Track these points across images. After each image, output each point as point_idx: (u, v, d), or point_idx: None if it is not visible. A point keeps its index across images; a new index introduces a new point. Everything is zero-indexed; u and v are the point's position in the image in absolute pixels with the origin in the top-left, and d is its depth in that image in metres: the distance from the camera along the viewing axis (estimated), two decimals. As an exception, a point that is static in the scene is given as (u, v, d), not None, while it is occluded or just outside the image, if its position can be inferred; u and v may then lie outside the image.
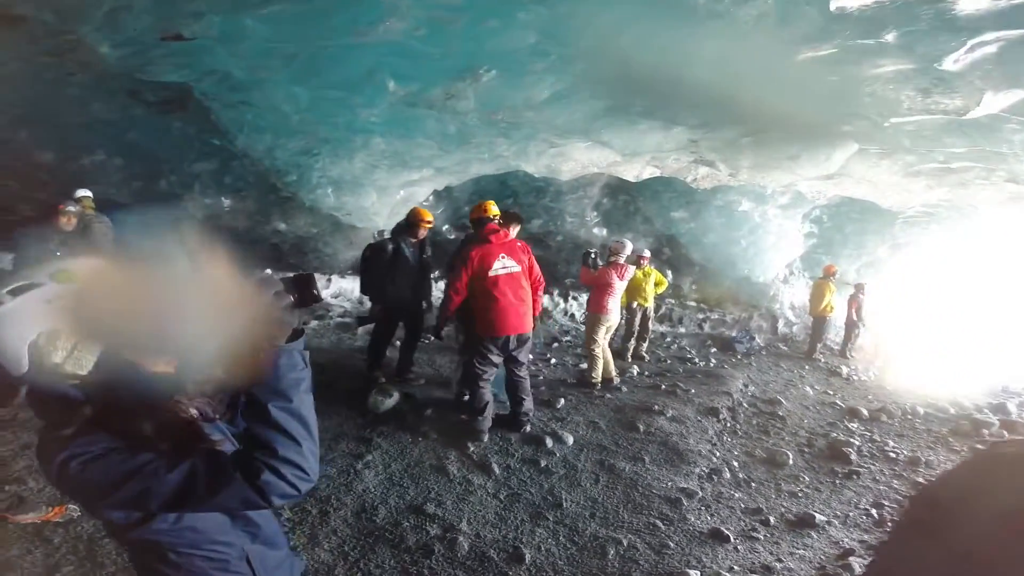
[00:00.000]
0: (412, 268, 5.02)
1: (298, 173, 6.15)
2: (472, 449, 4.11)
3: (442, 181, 7.32)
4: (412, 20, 3.55)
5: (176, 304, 0.93)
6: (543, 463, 4.07)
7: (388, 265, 4.92)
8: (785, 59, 4.02)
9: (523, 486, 3.76)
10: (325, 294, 8.96)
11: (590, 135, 5.89)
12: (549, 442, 4.36)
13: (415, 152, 6.08)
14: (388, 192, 6.96)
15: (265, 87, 4.62)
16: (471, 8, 3.43)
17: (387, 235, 5.28)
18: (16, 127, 5.64)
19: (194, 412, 1.08)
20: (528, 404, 4.43)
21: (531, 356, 4.59)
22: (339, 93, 4.64)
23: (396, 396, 4.81)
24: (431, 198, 8.74)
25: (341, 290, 9.29)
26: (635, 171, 7.22)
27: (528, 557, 2.98)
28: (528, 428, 4.46)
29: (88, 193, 5.02)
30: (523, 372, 4.33)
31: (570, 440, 4.49)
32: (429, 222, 5.14)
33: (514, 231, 4.69)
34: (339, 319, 8.08)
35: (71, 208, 4.49)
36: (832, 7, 3.44)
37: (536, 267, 4.24)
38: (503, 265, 4.05)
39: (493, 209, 4.22)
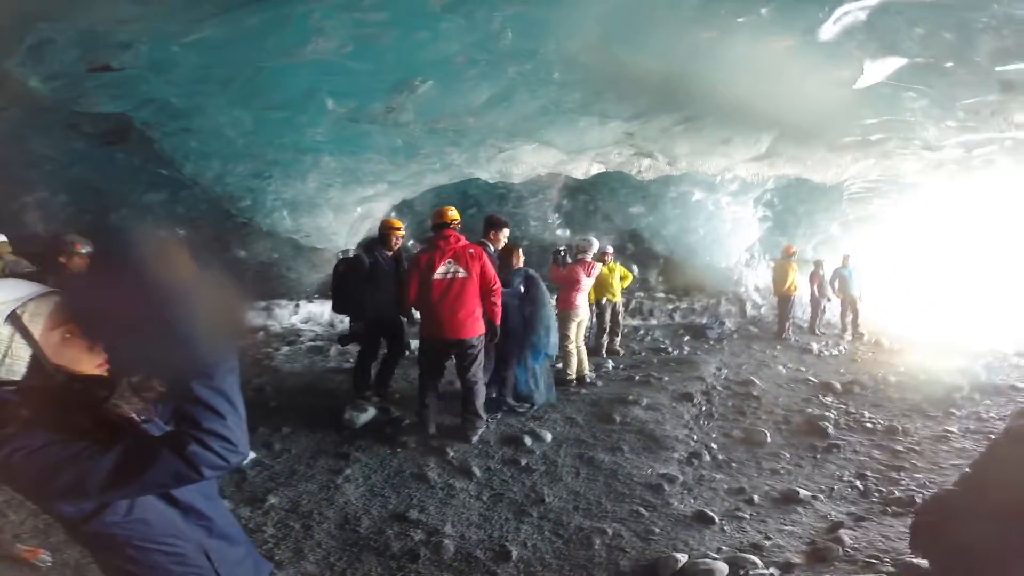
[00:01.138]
0: (390, 281, 4.88)
1: (252, 197, 6.15)
2: (452, 455, 4.12)
3: (398, 195, 7.40)
4: (339, 38, 3.66)
5: (123, 301, 0.99)
6: (523, 462, 4.08)
7: (366, 280, 4.81)
8: (691, 39, 4.22)
9: (505, 486, 3.78)
10: (294, 320, 8.89)
11: (534, 136, 6.06)
12: (528, 441, 4.37)
13: (366, 168, 6.14)
14: (345, 210, 7.00)
15: (206, 112, 4.65)
16: (395, 24, 3.55)
17: (352, 252, 5.21)
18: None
19: (132, 414, 1.13)
20: (476, 411, 4.36)
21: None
22: (281, 114, 4.69)
23: (372, 410, 4.82)
24: (392, 213, 8.78)
25: (310, 315, 9.22)
26: (582, 168, 7.42)
27: (515, 554, 2.99)
28: (475, 438, 4.33)
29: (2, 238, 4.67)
30: (471, 378, 4.29)
31: (548, 437, 4.51)
32: (399, 230, 5.08)
33: (502, 236, 4.84)
34: (310, 343, 8.02)
35: None
36: None
37: (489, 272, 4.20)
38: (447, 270, 4.12)
39: (450, 214, 4.28)
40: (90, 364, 1.11)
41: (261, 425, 4.43)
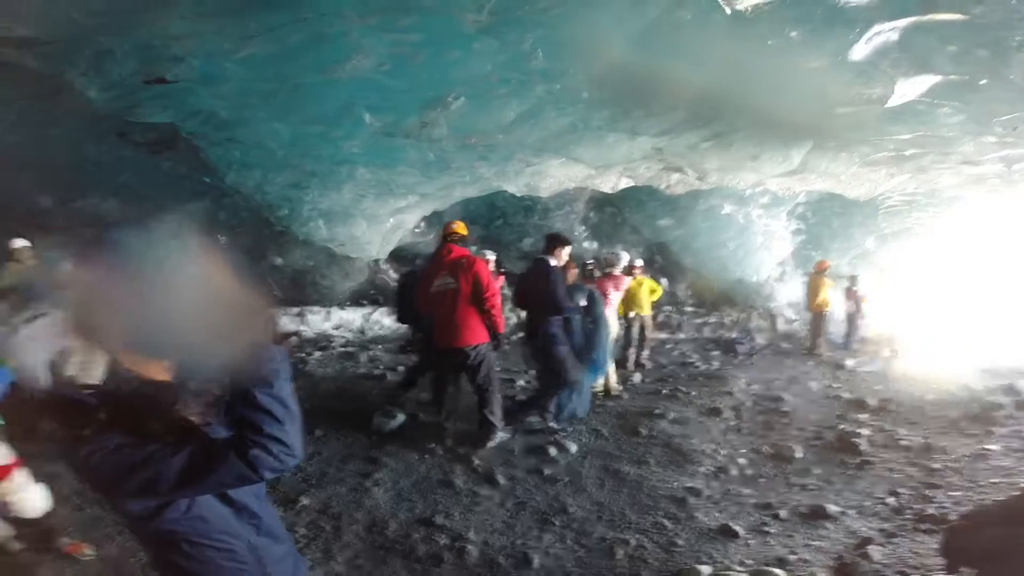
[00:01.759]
0: None
1: (289, 207, 6.40)
2: (477, 463, 4.21)
3: (428, 207, 7.57)
4: (376, 56, 3.83)
5: (172, 310, 1.10)
6: (548, 472, 4.14)
7: None
8: (720, 58, 4.26)
9: (528, 494, 3.83)
10: (326, 326, 9.14)
11: (562, 152, 6.15)
12: (553, 451, 4.43)
13: (399, 180, 6.33)
14: (378, 220, 7.20)
15: (249, 124, 4.89)
16: (430, 43, 3.71)
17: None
18: (13, 171, 5.84)
19: (195, 418, 1.24)
20: (489, 418, 4.41)
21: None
22: (319, 127, 4.91)
23: (401, 416, 4.93)
24: (422, 224, 8.97)
25: (342, 321, 9.48)
26: (610, 182, 7.46)
27: (536, 561, 3.05)
28: (492, 443, 4.41)
29: (26, 243, 4.64)
30: (480, 383, 4.36)
31: (573, 448, 4.55)
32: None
33: (564, 253, 4.71)
34: (341, 349, 8.24)
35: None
36: (727, 11, 3.68)
37: (483, 281, 4.20)
38: (442, 282, 4.29)
39: (451, 228, 4.45)
40: (159, 370, 1.22)
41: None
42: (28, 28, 3.76)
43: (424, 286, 4.40)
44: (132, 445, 1.13)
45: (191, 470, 1.12)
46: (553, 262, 4.67)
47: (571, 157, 6.35)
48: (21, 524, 2.74)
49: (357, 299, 9.84)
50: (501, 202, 9.28)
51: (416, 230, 8.98)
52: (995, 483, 4.12)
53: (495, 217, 9.82)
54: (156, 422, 1.17)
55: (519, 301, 5.10)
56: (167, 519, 1.18)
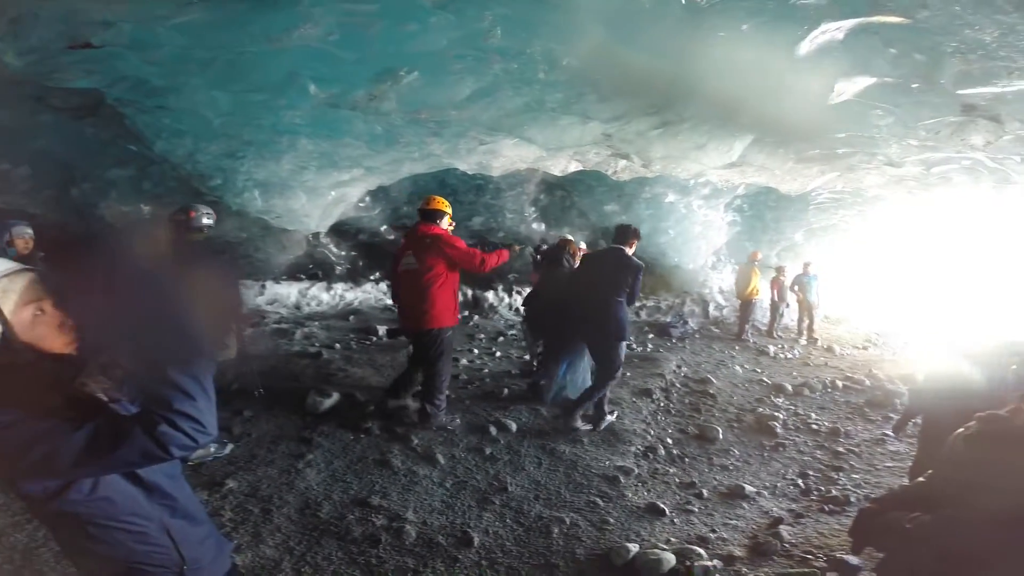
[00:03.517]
0: None
1: (222, 177, 6.01)
2: (416, 442, 4.20)
3: (374, 181, 7.32)
4: (325, 26, 3.61)
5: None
6: (488, 451, 4.21)
7: None
8: (672, 47, 4.33)
9: (469, 473, 3.88)
10: (259, 301, 8.74)
11: (515, 132, 6.09)
12: (493, 430, 4.51)
13: (344, 152, 6.06)
14: (319, 193, 6.90)
15: (183, 92, 4.52)
16: (384, 15, 3.52)
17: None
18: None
19: (100, 393, 1.16)
20: (428, 408, 4.41)
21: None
22: (261, 96, 4.59)
23: (335, 396, 4.84)
24: (367, 199, 8.68)
25: (276, 296, 9.07)
26: (561, 165, 7.50)
27: (477, 540, 3.09)
28: (434, 425, 4.41)
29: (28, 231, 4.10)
30: (432, 368, 4.34)
31: (513, 427, 4.64)
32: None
33: (630, 249, 4.70)
34: (275, 325, 7.92)
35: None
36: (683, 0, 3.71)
37: (456, 254, 4.13)
38: (407, 262, 4.22)
39: (426, 203, 4.34)
40: (60, 343, 1.14)
41: (221, 409, 4.41)
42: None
43: (394, 265, 4.33)
44: (29, 421, 1.03)
45: (93, 446, 1.04)
46: (628, 252, 4.69)
47: (524, 138, 6.29)
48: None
49: (293, 273, 9.45)
50: (452, 180, 9.11)
51: (361, 204, 8.69)
52: (889, 467, 4.56)
53: (445, 194, 9.61)
54: (56, 397, 1.09)
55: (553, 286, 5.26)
56: (69, 500, 1.11)
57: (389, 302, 9.19)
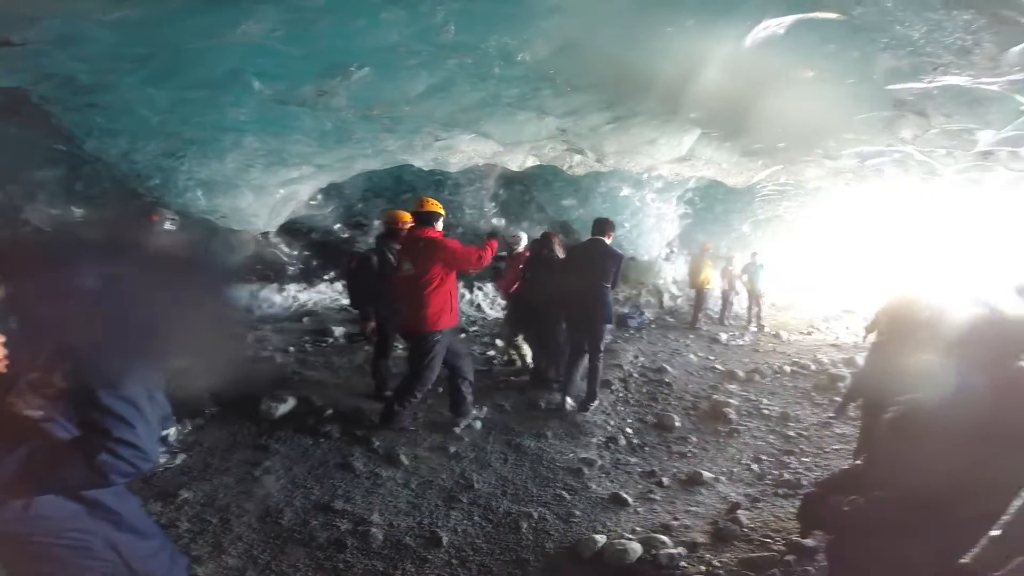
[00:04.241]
0: None
1: (162, 176, 5.69)
2: (377, 444, 4.14)
3: (325, 178, 7.11)
4: (269, 22, 3.45)
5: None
6: (452, 449, 4.19)
7: (376, 277, 4.73)
8: (622, 43, 4.38)
9: (434, 473, 3.85)
10: (208, 305, 8.33)
11: (472, 127, 6.03)
12: (457, 428, 4.48)
13: (292, 149, 5.85)
14: (266, 191, 6.65)
15: (116, 90, 4.23)
16: (331, 10, 3.39)
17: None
18: None
19: (31, 411, 1.09)
20: (395, 408, 4.38)
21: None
22: (202, 93, 4.34)
23: (291, 401, 4.72)
24: (319, 196, 8.43)
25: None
26: (518, 160, 7.50)
27: (446, 539, 3.07)
28: (398, 425, 4.41)
29: None
30: (419, 370, 4.29)
31: (478, 424, 4.64)
32: (408, 223, 4.92)
33: (608, 239, 5.21)
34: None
35: None
36: None
37: (453, 257, 4.14)
38: (407, 267, 4.20)
39: (425, 206, 4.27)
40: None
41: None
42: None
43: (394, 271, 4.38)
44: None
45: (28, 471, 1.00)
46: (608, 241, 5.22)
47: (481, 133, 6.24)
48: None
49: (244, 275, 9.10)
50: (409, 176, 8.96)
51: (312, 202, 8.43)
52: (836, 449, 4.74)
53: (402, 191, 9.49)
54: None
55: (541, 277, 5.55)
56: (1, 519, 1.06)
57: (345, 302, 8.99)
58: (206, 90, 4.31)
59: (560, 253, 5.73)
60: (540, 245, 5.91)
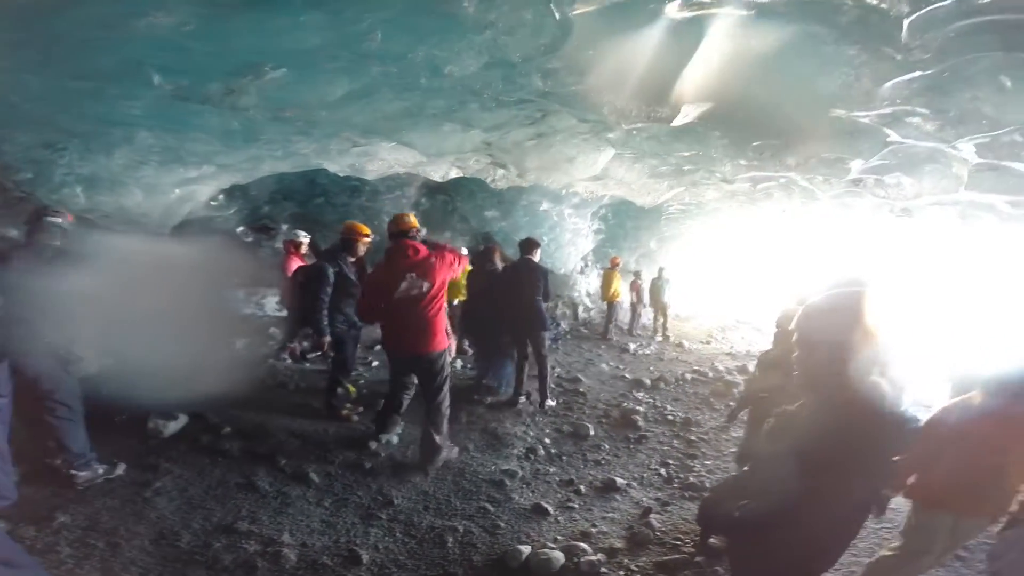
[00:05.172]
0: (357, 291, 4.57)
1: (35, 170, 4.99)
2: (284, 463, 3.93)
3: (227, 179, 6.62)
4: (179, 16, 3.16)
5: None
6: (368, 465, 4.04)
7: (332, 291, 4.51)
8: (546, 60, 4.50)
9: (349, 490, 3.71)
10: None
11: (393, 136, 5.91)
12: (372, 444, 4.33)
13: (191, 147, 5.37)
14: (159, 191, 6.06)
15: (-24, 75, 3.66)
16: (248, 7, 3.16)
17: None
18: None
19: None
20: (435, 438, 4.09)
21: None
22: (88, 83, 3.84)
23: (183, 418, 4.37)
24: (221, 197, 7.82)
25: (109, 306, 7.78)
26: (441, 171, 7.45)
27: (366, 557, 2.98)
28: (432, 467, 4.12)
29: None
30: (435, 392, 4.03)
31: (395, 439, 4.51)
32: (367, 236, 4.81)
33: (535, 256, 5.79)
34: (107, 341, 6.78)
35: None
36: (556, 15, 3.84)
37: (453, 265, 4.02)
38: (410, 285, 3.81)
39: (407, 222, 3.97)
40: None
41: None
42: None
43: (383, 289, 3.82)
44: None
45: None
46: (536, 260, 5.81)
47: (403, 142, 6.12)
48: None
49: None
50: (323, 179, 8.55)
51: (213, 203, 7.80)
52: (734, 452, 5.04)
53: (315, 195, 9.03)
54: None
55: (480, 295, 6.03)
56: None
57: (249, 311, 8.39)
58: (93, 80, 3.83)
59: (499, 266, 6.11)
60: (483, 259, 6.20)
